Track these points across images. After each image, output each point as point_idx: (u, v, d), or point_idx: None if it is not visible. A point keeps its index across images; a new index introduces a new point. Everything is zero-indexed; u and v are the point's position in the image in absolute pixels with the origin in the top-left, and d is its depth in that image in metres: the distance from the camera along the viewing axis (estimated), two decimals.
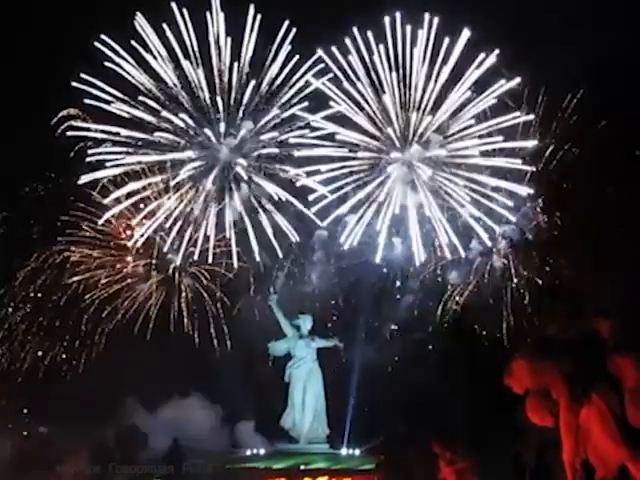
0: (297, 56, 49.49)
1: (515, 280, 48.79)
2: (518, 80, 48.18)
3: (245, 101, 50.58)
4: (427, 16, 48.82)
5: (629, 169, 43.73)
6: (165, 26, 48.90)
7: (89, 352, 49.91)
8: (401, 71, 49.78)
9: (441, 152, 48.99)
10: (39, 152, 49.72)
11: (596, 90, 46.05)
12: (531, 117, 48.83)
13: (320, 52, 49.37)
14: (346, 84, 49.38)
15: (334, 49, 49.28)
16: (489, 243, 48.69)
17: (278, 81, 50.40)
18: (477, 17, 47.50)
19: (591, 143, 47.04)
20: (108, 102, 48.90)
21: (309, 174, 49.38)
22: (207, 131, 50.22)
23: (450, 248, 48.42)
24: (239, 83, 50.51)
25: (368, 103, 50.04)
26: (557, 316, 29.44)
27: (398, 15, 48.99)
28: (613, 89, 44.62)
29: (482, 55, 48.48)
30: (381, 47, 49.45)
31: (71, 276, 49.70)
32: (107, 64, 48.67)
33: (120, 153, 49.20)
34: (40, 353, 49.91)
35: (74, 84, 48.39)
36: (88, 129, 49.65)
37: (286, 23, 48.87)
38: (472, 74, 49.00)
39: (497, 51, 48.32)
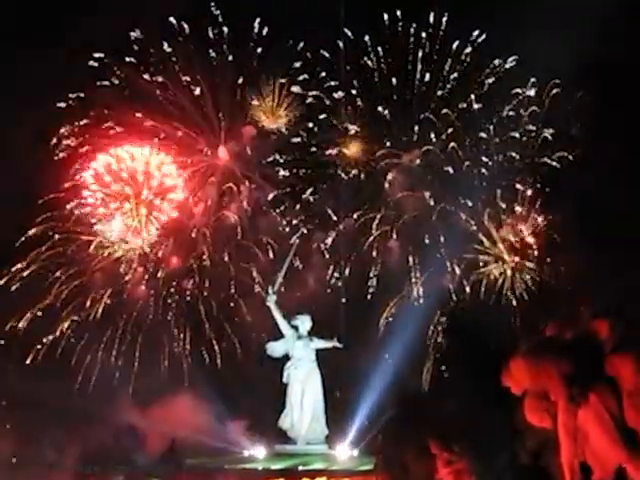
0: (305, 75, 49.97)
1: (512, 279, 48.82)
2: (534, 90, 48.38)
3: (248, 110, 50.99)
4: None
5: (628, 169, 43.73)
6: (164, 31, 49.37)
7: (86, 354, 49.72)
8: (402, 76, 49.90)
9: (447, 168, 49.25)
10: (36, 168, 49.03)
11: (596, 90, 46.00)
12: (550, 131, 48.84)
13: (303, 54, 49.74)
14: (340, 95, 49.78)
15: (327, 55, 49.70)
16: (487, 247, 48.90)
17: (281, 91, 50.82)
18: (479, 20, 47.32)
19: (590, 143, 47.11)
20: (105, 120, 49.14)
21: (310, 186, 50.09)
22: (207, 138, 50.57)
23: (448, 252, 48.67)
24: (242, 94, 50.85)
25: (365, 115, 50.25)
26: (556, 317, 29.48)
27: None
28: (613, 89, 44.59)
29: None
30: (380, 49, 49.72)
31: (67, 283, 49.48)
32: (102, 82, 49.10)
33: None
34: (37, 353, 49.66)
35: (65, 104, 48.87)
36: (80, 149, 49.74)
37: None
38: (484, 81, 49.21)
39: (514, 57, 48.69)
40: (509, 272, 48.90)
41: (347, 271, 50.86)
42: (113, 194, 51.14)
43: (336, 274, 51.14)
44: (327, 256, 51.53)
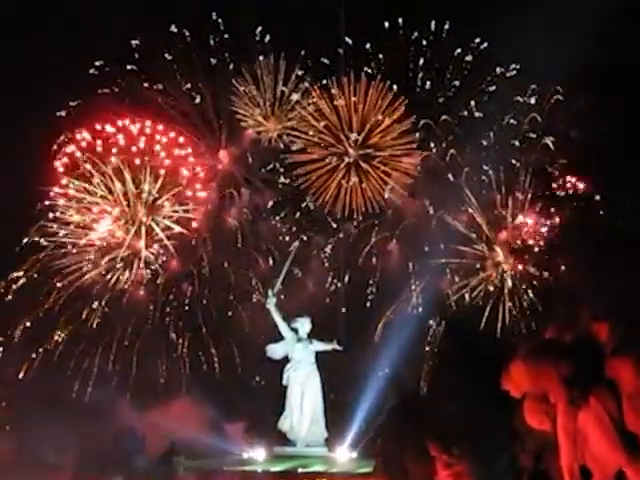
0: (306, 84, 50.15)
1: (511, 283, 48.83)
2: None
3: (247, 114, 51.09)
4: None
5: (627, 171, 43.80)
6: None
7: (84, 355, 49.62)
8: (403, 83, 50.04)
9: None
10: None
11: (596, 93, 46.06)
12: (550, 139, 48.91)
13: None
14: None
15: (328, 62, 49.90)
16: (485, 249, 48.97)
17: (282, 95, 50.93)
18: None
19: (589, 145, 47.19)
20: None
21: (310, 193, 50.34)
22: (208, 142, 50.58)
23: (447, 258, 48.80)
24: (242, 100, 50.91)
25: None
26: (555, 319, 29.50)
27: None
28: (613, 92, 44.66)
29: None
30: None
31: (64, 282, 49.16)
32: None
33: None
34: (36, 355, 49.51)
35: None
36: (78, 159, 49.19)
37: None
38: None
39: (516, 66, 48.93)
40: (509, 279, 48.92)
41: (347, 278, 51.04)
42: (96, 191, 48.58)
43: (335, 280, 51.32)
44: (327, 264, 51.66)
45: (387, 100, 50.09)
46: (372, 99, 50.12)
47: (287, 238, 50.93)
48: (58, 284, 48.19)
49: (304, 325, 42.24)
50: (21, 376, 48.20)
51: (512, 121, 49.97)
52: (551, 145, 49.14)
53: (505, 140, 49.65)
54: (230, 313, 50.63)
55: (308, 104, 50.67)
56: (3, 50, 46.18)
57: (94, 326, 48.56)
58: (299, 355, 41.73)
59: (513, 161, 49.20)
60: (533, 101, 49.60)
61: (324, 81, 50.42)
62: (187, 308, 50.46)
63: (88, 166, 48.47)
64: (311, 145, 51.24)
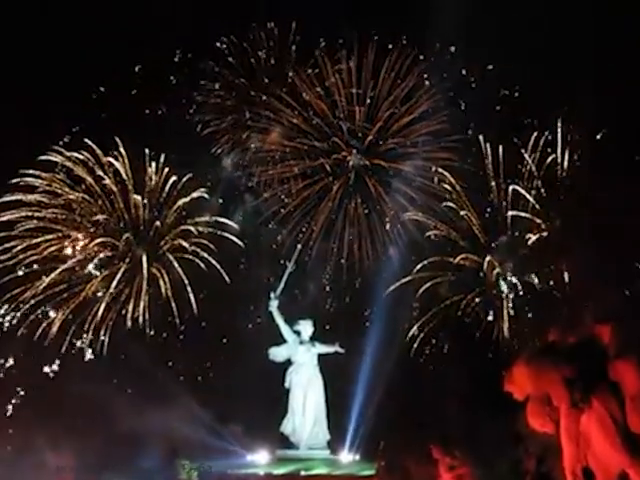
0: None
1: (512, 285, 48.94)
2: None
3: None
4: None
5: (628, 172, 43.90)
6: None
7: (82, 358, 49.74)
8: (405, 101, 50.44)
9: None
10: None
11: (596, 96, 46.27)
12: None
13: None
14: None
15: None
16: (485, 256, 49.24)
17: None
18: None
19: (591, 147, 47.37)
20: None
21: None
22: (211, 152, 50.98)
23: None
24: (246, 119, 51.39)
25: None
26: (557, 321, 29.54)
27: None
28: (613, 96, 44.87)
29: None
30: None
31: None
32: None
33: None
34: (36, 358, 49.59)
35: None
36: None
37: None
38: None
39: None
40: (507, 284, 49.05)
41: (347, 279, 51.35)
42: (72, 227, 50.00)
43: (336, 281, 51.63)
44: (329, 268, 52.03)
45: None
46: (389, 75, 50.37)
47: (290, 243, 51.08)
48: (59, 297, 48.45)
49: (306, 328, 42.32)
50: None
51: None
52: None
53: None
54: (230, 320, 50.94)
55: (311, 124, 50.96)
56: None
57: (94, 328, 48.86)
58: (301, 358, 41.80)
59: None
60: (537, 122, 49.87)
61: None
62: (187, 315, 50.67)
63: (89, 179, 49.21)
64: (308, 156, 51.53)
